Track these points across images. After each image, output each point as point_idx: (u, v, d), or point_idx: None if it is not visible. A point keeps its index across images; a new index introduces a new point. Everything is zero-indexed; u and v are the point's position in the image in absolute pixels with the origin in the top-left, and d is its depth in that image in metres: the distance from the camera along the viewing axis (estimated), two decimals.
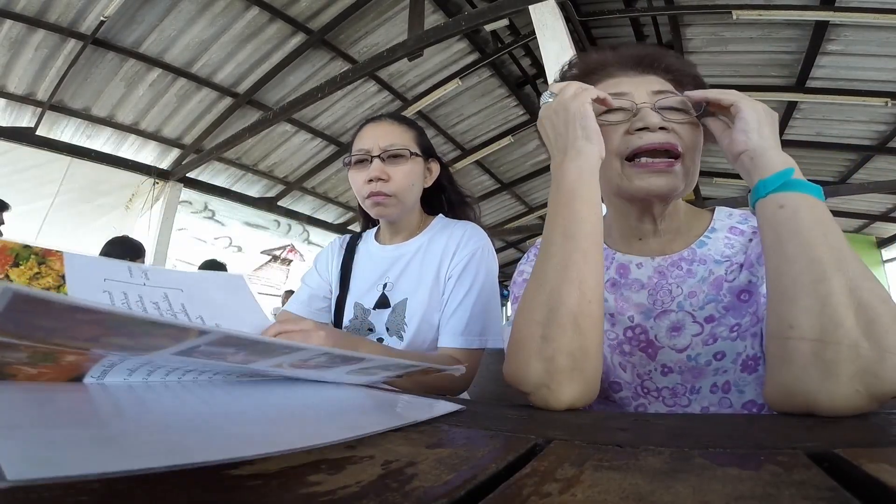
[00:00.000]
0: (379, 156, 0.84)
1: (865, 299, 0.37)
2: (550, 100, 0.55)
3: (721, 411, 0.55)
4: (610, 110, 0.56)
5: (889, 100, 3.95)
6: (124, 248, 2.23)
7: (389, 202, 0.85)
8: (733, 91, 0.52)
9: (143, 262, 2.37)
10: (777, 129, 0.51)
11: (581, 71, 0.63)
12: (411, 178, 0.86)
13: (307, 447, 0.25)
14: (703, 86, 0.61)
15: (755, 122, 0.49)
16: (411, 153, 0.85)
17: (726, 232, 0.60)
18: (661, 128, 0.54)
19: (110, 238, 2.28)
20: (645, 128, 0.54)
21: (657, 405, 0.57)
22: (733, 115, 0.51)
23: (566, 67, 0.66)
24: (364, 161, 0.86)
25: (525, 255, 0.73)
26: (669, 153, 0.54)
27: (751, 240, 0.58)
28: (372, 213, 0.88)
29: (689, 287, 0.57)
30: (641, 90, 0.56)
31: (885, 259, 7.23)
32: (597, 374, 0.48)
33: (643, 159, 0.54)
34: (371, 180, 0.84)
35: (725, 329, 0.55)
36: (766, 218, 0.45)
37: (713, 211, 0.63)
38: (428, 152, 0.92)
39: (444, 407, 0.40)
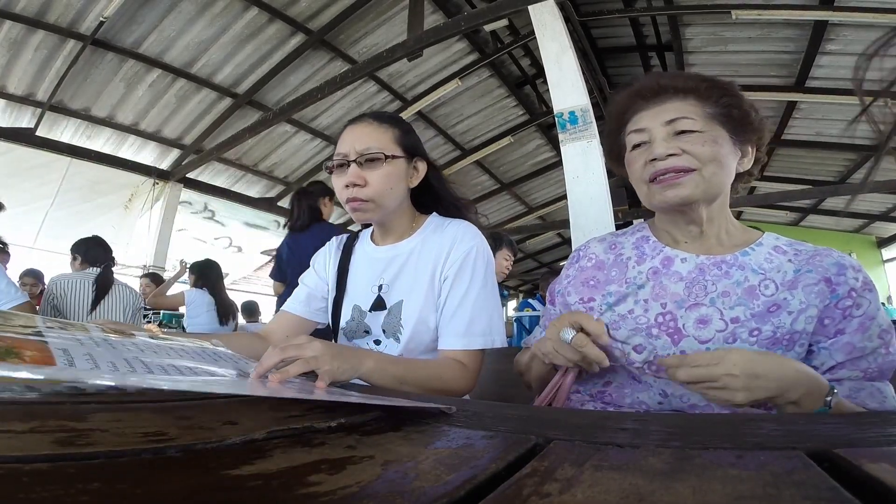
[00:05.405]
0: (356, 160, 0.83)
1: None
2: (565, 337, 0.60)
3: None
4: (635, 146, 0.69)
5: (889, 100, 3.94)
6: (104, 250, 2.21)
7: (367, 207, 0.83)
8: (712, 366, 0.51)
9: (113, 260, 2.29)
10: (770, 366, 0.51)
11: (614, 116, 0.74)
12: (389, 181, 0.84)
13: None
14: (722, 88, 0.67)
15: (743, 385, 0.49)
16: (387, 156, 0.83)
17: (770, 249, 0.67)
18: (671, 154, 0.64)
19: (76, 241, 2.21)
20: (654, 158, 0.65)
21: (659, 382, 0.63)
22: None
23: (607, 120, 0.76)
24: (343, 165, 0.84)
25: (570, 258, 0.82)
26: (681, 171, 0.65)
27: (790, 260, 0.64)
28: (353, 217, 0.87)
29: (724, 287, 0.64)
30: (656, 122, 0.67)
31: (885, 259, 7.20)
32: None
33: (657, 179, 0.66)
34: (348, 185, 0.83)
35: (746, 331, 0.60)
36: None
37: (763, 233, 0.71)
38: (413, 151, 0.89)
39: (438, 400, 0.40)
